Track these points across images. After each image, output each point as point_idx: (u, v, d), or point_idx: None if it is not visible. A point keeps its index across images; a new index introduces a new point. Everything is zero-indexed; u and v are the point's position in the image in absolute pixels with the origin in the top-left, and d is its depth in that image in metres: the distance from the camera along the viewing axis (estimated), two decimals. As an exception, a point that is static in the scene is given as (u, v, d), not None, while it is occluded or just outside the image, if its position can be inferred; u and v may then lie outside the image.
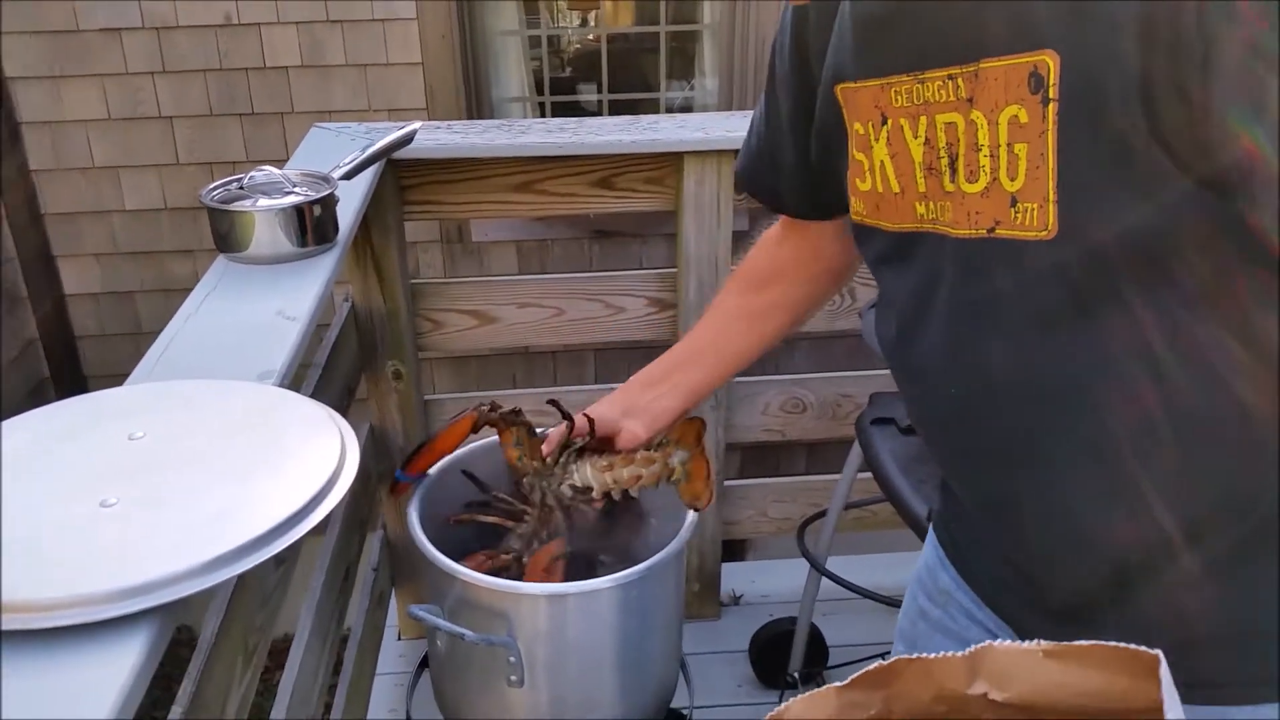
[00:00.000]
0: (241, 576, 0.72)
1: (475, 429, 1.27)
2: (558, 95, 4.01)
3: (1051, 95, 0.66)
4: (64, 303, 3.68)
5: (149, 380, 1.02)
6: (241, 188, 1.34)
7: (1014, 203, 0.71)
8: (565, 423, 1.22)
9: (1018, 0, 0.68)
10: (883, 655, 0.60)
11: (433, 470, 1.32)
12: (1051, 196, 0.69)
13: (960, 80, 0.74)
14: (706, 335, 1.25)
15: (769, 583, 2.53)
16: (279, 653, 1.38)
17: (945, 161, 0.78)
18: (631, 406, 1.23)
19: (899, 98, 0.81)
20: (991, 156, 0.73)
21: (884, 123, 0.84)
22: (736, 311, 1.23)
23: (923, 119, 0.79)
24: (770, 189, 1.11)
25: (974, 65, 0.72)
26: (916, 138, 0.81)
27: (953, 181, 0.78)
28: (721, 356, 1.24)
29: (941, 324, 0.83)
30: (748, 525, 2.43)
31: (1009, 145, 0.71)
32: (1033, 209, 0.70)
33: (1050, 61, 0.66)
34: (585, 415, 1.21)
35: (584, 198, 2.03)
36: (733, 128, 1.98)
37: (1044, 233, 0.70)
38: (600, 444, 1.23)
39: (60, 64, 3.43)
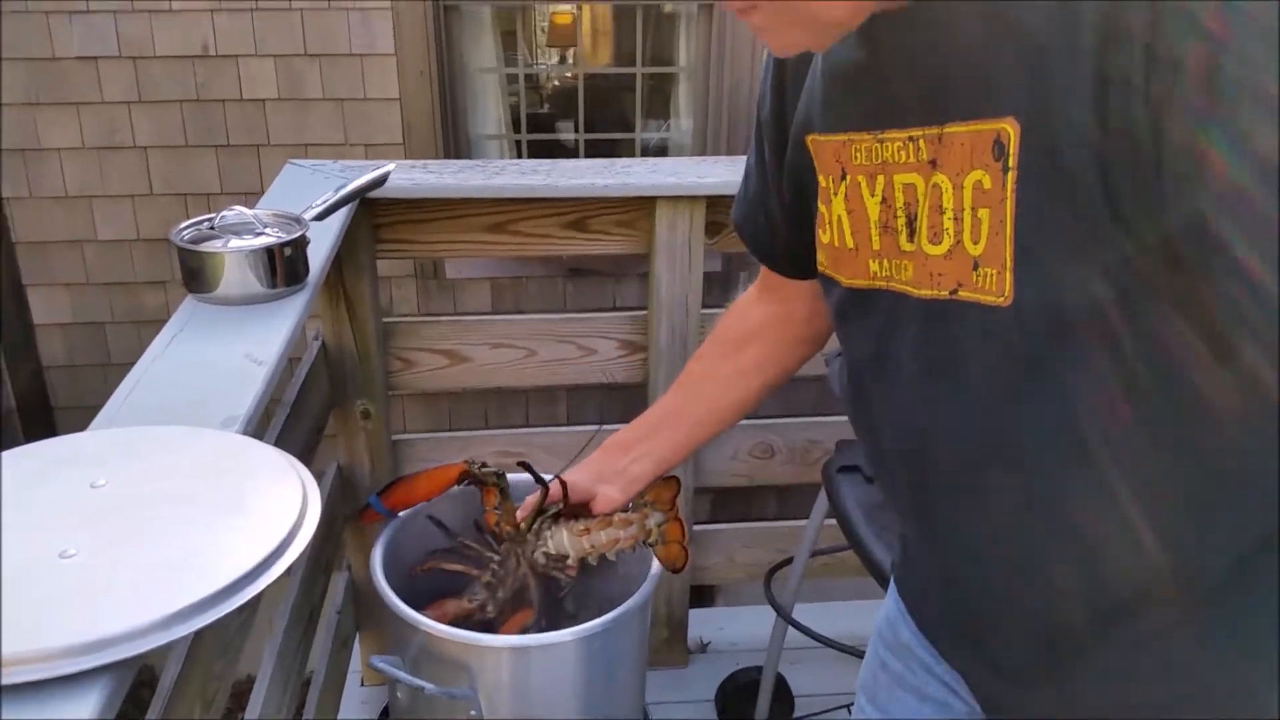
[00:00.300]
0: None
1: (460, 481, 1.26)
2: (535, 133, 4.04)
3: (1011, 164, 0.67)
4: (33, 332, 3.64)
5: (113, 425, 1.01)
6: (212, 228, 1.33)
7: (976, 266, 0.72)
8: (539, 489, 1.21)
9: (981, 67, 0.68)
10: (847, 707, 0.59)
11: (403, 514, 1.32)
12: (1008, 263, 0.69)
13: (922, 142, 0.75)
14: (678, 400, 1.23)
15: (738, 629, 2.50)
16: (241, 694, 1.36)
17: (902, 221, 0.79)
18: (604, 472, 1.22)
19: (859, 155, 0.82)
20: (955, 220, 0.73)
21: (843, 178, 0.85)
22: (708, 376, 1.21)
23: (880, 178, 0.80)
24: (757, 237, 1.09)
25: (938, 128, 0.73)
26: (873, 196, 0.82)
27: (910, 241, 0.78)
28: (695, 422, 1.22)
29: (905, 379, 0.83)
30: (716, 571, 2.41)
31: (973, 209, 0.71)
32: (992, 274, 0.71)
33: (1010, 130, 0.66)
34: (560, 479, 1.20)
35: (557, 239, 2.03)
36: (704, 173, 1.99)
37: (1000, 299, 0.71)
38: (575, 509, 1.22)
39: (36, 91, 3.42)
